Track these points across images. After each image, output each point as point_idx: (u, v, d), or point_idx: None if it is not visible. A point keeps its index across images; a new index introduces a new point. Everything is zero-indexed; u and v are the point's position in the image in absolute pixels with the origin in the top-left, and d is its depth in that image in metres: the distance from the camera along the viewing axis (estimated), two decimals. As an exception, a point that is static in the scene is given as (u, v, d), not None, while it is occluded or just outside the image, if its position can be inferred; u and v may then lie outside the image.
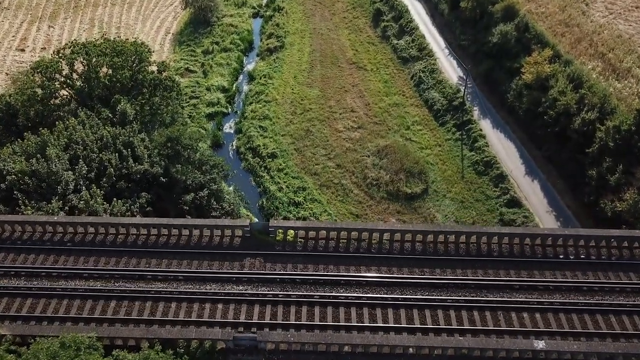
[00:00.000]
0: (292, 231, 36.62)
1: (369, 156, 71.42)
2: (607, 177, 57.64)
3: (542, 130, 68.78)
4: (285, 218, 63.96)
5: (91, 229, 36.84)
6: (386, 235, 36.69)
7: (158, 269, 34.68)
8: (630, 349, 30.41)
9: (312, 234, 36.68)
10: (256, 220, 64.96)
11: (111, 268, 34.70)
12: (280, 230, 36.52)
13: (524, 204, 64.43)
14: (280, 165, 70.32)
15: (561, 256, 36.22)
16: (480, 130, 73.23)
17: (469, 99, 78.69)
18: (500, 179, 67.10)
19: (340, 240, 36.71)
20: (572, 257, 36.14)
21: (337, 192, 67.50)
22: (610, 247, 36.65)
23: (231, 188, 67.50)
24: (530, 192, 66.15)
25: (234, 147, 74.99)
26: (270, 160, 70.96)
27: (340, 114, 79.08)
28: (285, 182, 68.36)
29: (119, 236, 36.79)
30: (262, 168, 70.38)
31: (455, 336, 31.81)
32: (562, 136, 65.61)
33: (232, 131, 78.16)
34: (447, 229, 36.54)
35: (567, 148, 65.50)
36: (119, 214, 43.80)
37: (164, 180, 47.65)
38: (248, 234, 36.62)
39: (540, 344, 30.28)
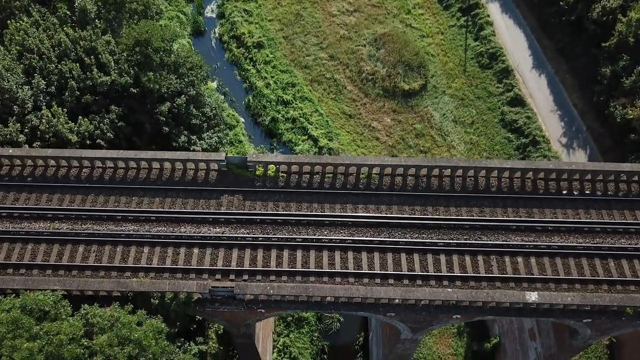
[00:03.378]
0: (273, 166, 33.40)
1: (365, 46, 65.55)
2: (622, 77, 53.03)
3: (556, 17, 62.49)
4: (273, 119, 60.30)
5: (52, 163, 33.53)
6: (375, 170, 33.57)
7: (128, 209, 32.03)
8: (625, 301, 29.02)
9: (295, 168, 33.51)
10: (242, 120, 61.42)
11: (77, 207, 32.02)
12: (260, 165, 33.29)
13: (528, 102, 60.46)
14: (268, 56, 64.70)
15: (564, 192, 33.50)
16: (488, 16, 66.46)
17: (477, -22, 70.37)
18: (505, 74, 62.30)
19: (326, 175, 33.65)
20: (576, 193, 33.44)
21: (330, 89, 62.93)
22: (618, 181, 33.77)
23: (214, 84, 62.84)
24: (536, 88, 61.78)
25: (217, 34, 68.53)
26: (256, 50, 65.13)
27: (334, -6, 71.19)
28: (273, 76, 63.38)
29: (84, 170, 33.59)
30: (248, 60, 64.92)
31: (443, 282, 30.24)
32: (578, 26, 59.66)
33: (214, 15, 70.99)
34: (442, 162, 33.28)
35: (581, 40, 59.88)
36: (86, 133, 40.20)
37: (134, 91, 43.14)
38: (224, 168, 33.44)
39: (532, 296, 28.80)
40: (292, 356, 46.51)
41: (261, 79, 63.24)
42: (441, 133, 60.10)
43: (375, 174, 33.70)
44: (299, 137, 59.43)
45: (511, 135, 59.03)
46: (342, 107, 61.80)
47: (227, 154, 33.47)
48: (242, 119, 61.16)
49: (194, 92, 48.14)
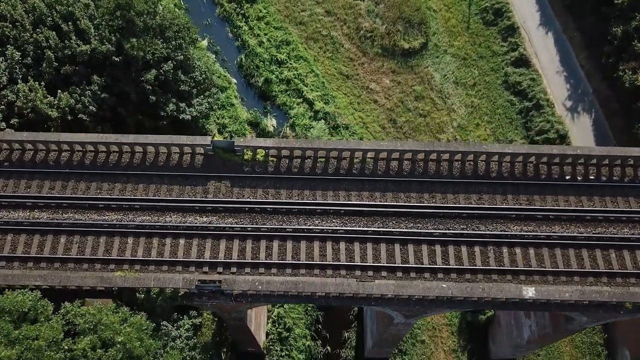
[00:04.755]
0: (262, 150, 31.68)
1: (363, 0, 61.91)
2: (633, 39, 50.21)
3: (566, -30, 58.75)
4: (266, 80, 57.74)
5: (30, 147, 31.80)
6: (370, 154, 31.89)
7: (111, 196, 30.62)
8: (625, 297, 28.18)
9: (285, 152, 31.81)
10: (234, 81, 58.90)
11: (58, 195, 30.57)
12: (248, 149, 31.56)
13: (533, 63, 57.85)
14: (261, 12, 61.27)
15: (567, 177, 31.98)
16: (494, -33, 62.45)
17: None
18: (511, 32, 59.25)
19: (318, 160, 31.99)
20: (579, 179, 31.93)
21: (326, 47, 59.98)
22: (625, 166, 32.17)
23: (205, 42, 59.81)
24: (542, 47, 58.98)
25: (207, -13, 64.60)
26: (249, 5, 61.60)
27: (331, -60, 66.63)
28: (266, 34, 60.26)
29: (63, 154, 31.88)
30: (240, 16, 61.48)
31: (438, 275, 29.29)
32: (589, -20, 56.15)
33: (204, -35, 66.71)
34: (440, 147, 31.52)
35: (592, -4, 56.49)
36: (67, 108, 38.19)
37: (117, 59, 40.69)
38: (211, 152, 31.74)
39: (529, 292, 27.91)
40: (286, 327, 46.45)
41: (254, 37, 60.17)
42: (441, 95, 57.80)
43: (370, 158, 32.07)
44: (294, 99, 57.17)
45: (514, 98, 56.82)
46: (339, 66, 59.13)
47: (213, 136, 31.62)
48: (234, 80, 58.59)
49: (182, 56, 45.58)
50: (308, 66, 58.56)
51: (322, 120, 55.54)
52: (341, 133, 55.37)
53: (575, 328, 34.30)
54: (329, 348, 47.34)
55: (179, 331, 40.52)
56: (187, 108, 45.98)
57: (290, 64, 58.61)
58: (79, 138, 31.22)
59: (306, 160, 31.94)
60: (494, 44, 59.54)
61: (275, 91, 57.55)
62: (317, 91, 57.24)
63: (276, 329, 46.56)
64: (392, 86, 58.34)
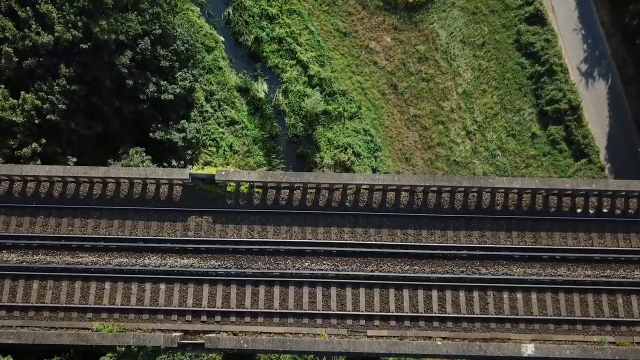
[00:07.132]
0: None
1: (363, -60, 54.91)
2: (664, 1, 45.07)
3: None
4: (257, 39, 52.66)
5: (-10, 178, 28.92)
6: (365, 185, 29.07)
7: (84, 235, 28.27)
8: (629, 354, 26.92)
9: (271, 184, 28.96)
10: (222, 39, 53.80)
11: (25, 234, 28.20)
12: (231, 183, 28.68)
13: (549, 20, 52.50)
14: (249, -45, 54.46)
15: (579, 210, 29.46)
16: None
17: None
18: (527, -19, 53.14)
19: (308, 191, 29.21)
20: (591, 212, 29.44)
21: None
22: (642, 197, 29.58)
23: (188, -10, 53.87)
24: (560, 1, 53.16)
25: None
26: (236, -52, 54.61)
27: None
28: (255, -18, 54.01)
29: (28, 185, 29.03)
30: (225, -39, 54.75)
31: (434, 324, 27.86)
32: None
33: None
34: (441, 182, 28.55)
35: (621, -58, 49.99)
36: (33, 112, 34.57)
37: (85, 46, 36.34)
38: (190, 184, 28.90)
39: (528, 349, 26.61)
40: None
41: (242, -14, 53.97)
42: (447, 57, 53.08)
43: (365, 189, 29.31)
44: (286, 61, 52.50)
45: (525, 61, 52.23)
46: (336, 22, 53.70)
47: (192, 168, 28.61)
48: (221, 38, 53.39)
49: (160, 29, 41.04)
50: (302, 22, 53.17)
51: (317, 87, 51.46)
52: (338, 101, 51.62)
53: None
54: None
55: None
56: (168, 86, 42.26)
57: (283, 19, 53.14)
58: (44, 171, 28.22)
59: (295, 192, 29.21)
60: (508, -4, 53.68)
61: (267, 51, 52.65)
62: (312, 51, 52.42)
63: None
64: (394, 45, 53.39)
